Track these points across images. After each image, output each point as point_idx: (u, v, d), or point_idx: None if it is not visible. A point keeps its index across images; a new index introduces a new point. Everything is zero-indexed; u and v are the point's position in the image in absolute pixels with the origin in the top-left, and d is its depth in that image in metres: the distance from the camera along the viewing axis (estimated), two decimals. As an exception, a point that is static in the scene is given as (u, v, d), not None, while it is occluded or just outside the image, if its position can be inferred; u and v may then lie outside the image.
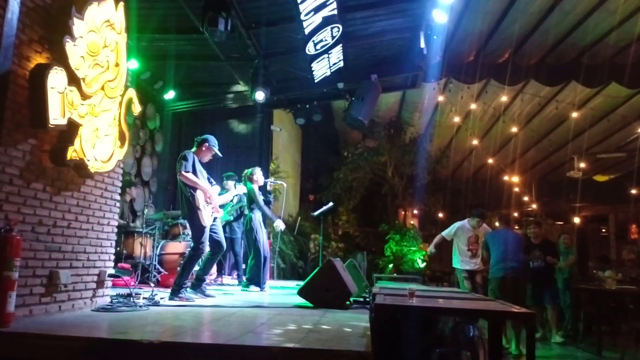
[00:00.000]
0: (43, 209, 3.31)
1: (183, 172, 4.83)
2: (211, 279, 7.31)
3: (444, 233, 7.31)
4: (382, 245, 12.41)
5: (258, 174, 6.47)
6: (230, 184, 7.10)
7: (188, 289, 4.94)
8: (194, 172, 4.96)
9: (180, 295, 4.70)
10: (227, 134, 9.63)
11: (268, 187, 6.65)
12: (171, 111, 9.31)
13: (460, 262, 6.95)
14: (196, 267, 5.23)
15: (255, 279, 6.14)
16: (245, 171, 6.59)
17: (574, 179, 12.53)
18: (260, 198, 6.27)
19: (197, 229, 4.89)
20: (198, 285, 5.09)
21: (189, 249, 5.16)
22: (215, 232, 5.12)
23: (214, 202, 5.07)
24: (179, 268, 5.24)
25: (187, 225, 5.73)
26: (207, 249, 4.99)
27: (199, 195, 4.88)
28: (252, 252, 6.22)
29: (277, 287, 7.09)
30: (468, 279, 6.87)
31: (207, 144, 5.20)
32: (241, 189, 6.18)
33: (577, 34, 8.56)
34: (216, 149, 5.26)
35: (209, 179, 5.25)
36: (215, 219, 5.13)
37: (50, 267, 3.37)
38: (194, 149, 5.19)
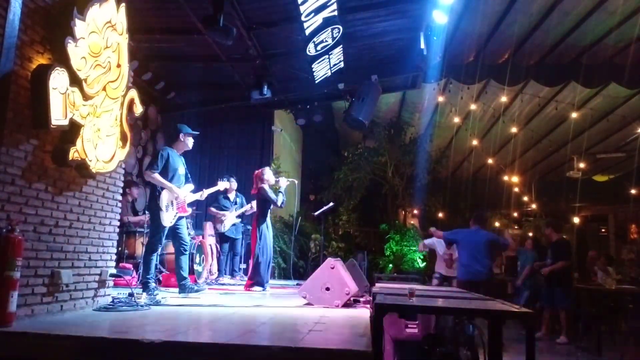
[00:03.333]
0: (45, 209, 3.32)
1: (148, 172, 4.92)
2: (212, 278, 7.33)
3: (427, 242, 8.35)
4: (382, 245, 12.42)
5: (268, 173, 6.50)
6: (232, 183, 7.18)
7: (180, 295, 5.02)
8: (166, 169, 4.99)
9: (147, 290, 4.77)
10: (228, 134, 9.64)
11: (282, 185, 6.66)
12: (172, 112, 9.33)
13: (437, 267, 7.88)
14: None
15: (258, 279, 6.16)
16: (256, 172, 6.63)
17: (574, 179, 12.54)
18: (272, 195, 6.30)
19: (155, 226, 4.99)
20: (184, 286, 5.12)
21: (145, 245, 5.24)
22: (179, 231, 5.15)
23: (181, 202, 5.09)
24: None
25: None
26: (162, 243, 5.10)
27: (164, 195, 4.93)
28: (256, 252, 6.24)
29: (278, 287, 7.11)
30: (440, 278, 7.21)
31: (181, 133, 5.19)
32: (222, 184, 6.13)
33: (577, 35, 8.56)
34: (190, 130, 5.24)
35: (186, 175, 5.25)
36: (180, 218, 5.15)
37: (52, 267, 3.38)
38: (172, 143, 5.22)
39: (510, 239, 6.72)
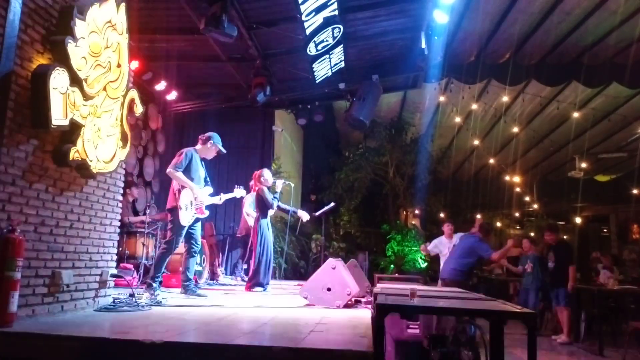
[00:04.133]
0: (45, 209, 3.32)
1: (171, 169, 4.94)
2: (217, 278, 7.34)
3: (429, 248, 8.08)
4: (383, 245, 12.41)
5: (267, 174, 6.51)
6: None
7: (181, 294, 5.00)
8: (189, 169, 5.02)
9: (152, 290, 4.75)
10: (228, 134, 9.54)
11: (277, 188, 6.68)
12: (173, 111, 9.33)
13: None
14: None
15: (258, 280, 6.15)
16: (255, 173, 6.63)
17: (575, 179, 12.53)
18: (269, 197, 6.30)
19: (175, 225, 4.99)
20: (187, 287, 5.11)
21: (163, 243, 5.22)
22: (193, 232, 5.17)
23: (200, 203, 5.10)
24: (181, 267, 5.29)
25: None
26: (179, 243, 5.08)
27: (184, 194, 4.94)
28: (257, 252, 6.23)
29: (279, 287, 7.10)
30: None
31: (211, 141, 5.25)
32: (239, 192, 6.14)
33: (578, 34, 8.55)
34: (220, 146, 5.30)
35: (205, 178, 5.28)
36: (197, 220, 5.16)
37: (53, 267, 3.37)
38: (197, 146, 5.24)
39: (498, 254, 6.68)
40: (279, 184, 6.70)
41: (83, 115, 3.48)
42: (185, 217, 4.95)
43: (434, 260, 10.95)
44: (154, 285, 4.85)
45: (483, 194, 13.96)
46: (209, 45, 6.96)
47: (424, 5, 6.89)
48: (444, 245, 7.70)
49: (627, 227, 14.73)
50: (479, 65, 9.11)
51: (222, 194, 5.64)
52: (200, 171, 5.19)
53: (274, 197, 6.38)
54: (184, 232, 5.02)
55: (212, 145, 5.25)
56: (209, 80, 8.97)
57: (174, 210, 4.93)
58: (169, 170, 4.99)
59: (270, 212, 6.45)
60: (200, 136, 5.36)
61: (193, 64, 8.19)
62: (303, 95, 9.32)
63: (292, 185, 7.58)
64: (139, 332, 2.95)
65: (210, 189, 5.35)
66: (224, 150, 5.38)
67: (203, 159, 5.30)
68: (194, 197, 5.04)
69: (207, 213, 5.35)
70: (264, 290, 6.12)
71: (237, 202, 9.18)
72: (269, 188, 6.43)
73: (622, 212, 14.76)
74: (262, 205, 6.36)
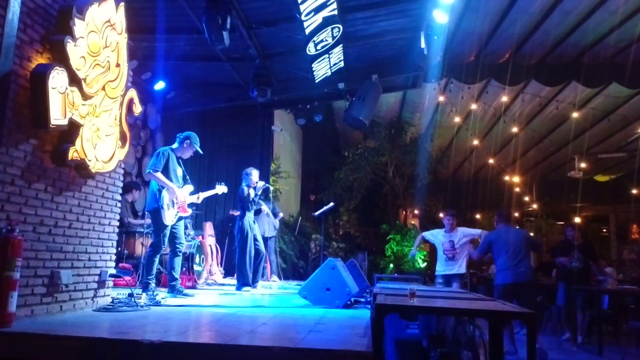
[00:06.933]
0: (44, 209, 3.32)
1: (152, 171, 4.96)
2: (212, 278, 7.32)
3: (424, 233, 7.41)
4: (383, 245, 12.41)
5: (254, 174, 6.50)
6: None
7: (168, 295, 5.01)
8: (166, 169, 5.05)
9: (147, 291, 4.76)
10: (227, 134, 9.63)
11: (257, 190, 6.63)
12: (172, 111, 9.32)
13: (437, 268, 6.90)
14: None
15: (242, 279, 6.12)
16: (245, 170, 6.62)
17: (575, 179, 12.52)
18: (245, 196, 6.30)
19: (157, 226, 5.01)
20: (174, 287, 5.12)
21: (149, 245, 5.24)
22: (176, 232, 5.19)
23: (182, 202, 5.14)
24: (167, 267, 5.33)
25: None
26: (165, 243, 5.09)
27: (165, 194, 4.97)
28: (238, 251, 6.22)
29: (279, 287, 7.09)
30: (443, 284, 6.67)
31: (188, 141, 5.28)
32: (220, 188, 6.04)
33: (578, 34, 8.54)
34: (197, 147, 5.33)
35: (184, 176, 5.31)
36: (180, 218, 5.19)
37: (52, 267, 3.37)
38: (174, 146, 5.29)
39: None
40: (260, 185, 6.61)
41: (82, 114, 3.47)
42: (169, 217, 4.98)
43: (434, 260, 10.95)
44: (150, 285, 4.86)
45: (483, 193, 13.96)
46: (209, 45, 6.93)
47: (424, 5, 6.88)
48: (438, 240, 6.89)
49: (627, 227, 14.75)
50: (478, 65, 9.10)
51: (200, 193, 5.59)
52: (178, 170, 5.22)
53: (253, 199, 6.35)
54: (167, 232, 5.05)
55: (188, 145, 5.28)
56: (209, 80, 8.96)
57: (156, 211, 4.96)
58: (147, 171, 5.03)
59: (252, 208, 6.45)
60: (178, 135, 5.40)
61: (192, 63, 8.18)
62: (302, 95, 9.31)
63: (271, 187, 7.54)
64: (137, 332, 2.95)
65: (190, 187, 5.38)
66: (200, 152, 5.42)
67: (180, 158, 5.33)
68: (175, 197, 5.06)
69: (189, 211, 5.39)
70: (252, 287, 6.10)
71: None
72: (253, 187, 6.41)
73: (622, 212, 14.78)
74: (243, 203, 6.38)
